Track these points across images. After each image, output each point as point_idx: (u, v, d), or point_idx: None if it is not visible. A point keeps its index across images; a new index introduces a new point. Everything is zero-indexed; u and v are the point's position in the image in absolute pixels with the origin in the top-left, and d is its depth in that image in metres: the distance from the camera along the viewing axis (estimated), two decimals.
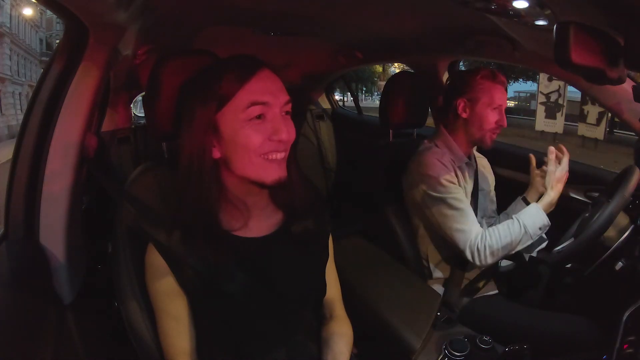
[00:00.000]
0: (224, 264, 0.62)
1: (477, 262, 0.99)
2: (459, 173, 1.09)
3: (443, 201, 1.02)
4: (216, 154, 0.61)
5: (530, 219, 0.96)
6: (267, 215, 0.69)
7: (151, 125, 0.73)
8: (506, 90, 1.10)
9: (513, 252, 0.98)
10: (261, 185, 0.61)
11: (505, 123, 1.09)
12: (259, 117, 0.59)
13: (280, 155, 0.61)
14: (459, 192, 1.03)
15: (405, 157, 1.14)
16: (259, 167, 0.60)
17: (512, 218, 0.99)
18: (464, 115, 1.09)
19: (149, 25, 0.97)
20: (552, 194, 0.98)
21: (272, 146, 0.60)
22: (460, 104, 1.09)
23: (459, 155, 1.11)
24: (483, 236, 0.98)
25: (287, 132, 0.60)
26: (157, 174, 0.72)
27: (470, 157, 1.15)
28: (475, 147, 1.19)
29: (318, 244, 0.75)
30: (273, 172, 0.61)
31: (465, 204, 1.02)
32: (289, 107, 0.62)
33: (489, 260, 0.98)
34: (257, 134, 0.59)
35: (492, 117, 1.08)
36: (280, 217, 0.70)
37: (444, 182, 1.02)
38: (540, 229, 0.96)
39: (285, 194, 0.68)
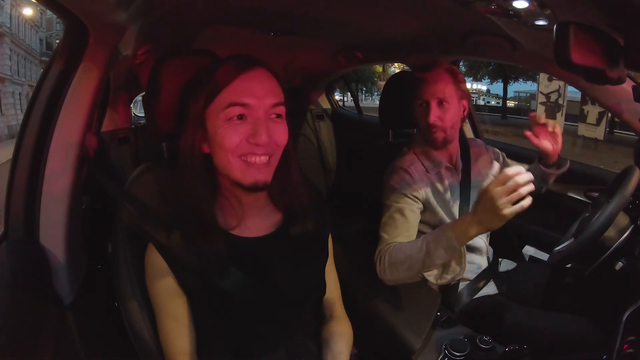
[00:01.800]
0: (222, 263, 0.62)
1: (378, 272, 0.92)
2: (435, 180, 1.05)
3: (386, 207, 1.00)
4: (206, 149, 0.62)
5: (437, 237, 0.83)
6: (266, 215, 0.69)
7: (151, 125, 0.73)
8: (440, 80, 1.00)
9: (415, 274, 0.88)
10: (240, 186, 0.61)
11: (431, 119, 0.99)
12: (240, 117, 0.59)
13: (260, 159, 0.60)
14: (406, 204, 0.98)
15: None
16: (236, 168, 0.60)
17: (417, 241, 0.90)
18: (415, 119, 1.07)
19: (149, 25, 0.97)
20: (480, 227, 0.76)
21: (249, 148, 0.59)
22: (409, 107, 1.07)
23: (436, 160, 1.06)
24: (389, 246, 0.93)
25: (267, 136, 0.59)
26: (157, 174, 0.72)
27: (455, 160, 1.10)
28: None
29: (317, 244, 0.75)
30: (251, 175, 0.60)
31: (404, 216, 0.97)
32: (278, 110, 0.61)
33: (387, 273, 0.91)
34: (234, 134, 0.59)
35: (419, 114, 1.03)
36: (280, 217, 0.70)
37: (396, 192, 1.00)
38: (445, 250, 0.81)
39: (285, 194, 0.68)
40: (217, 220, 0.64)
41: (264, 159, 0.60)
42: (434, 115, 1.00)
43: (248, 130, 0.59)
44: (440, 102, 1.01)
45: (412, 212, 0.99)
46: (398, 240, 0.95)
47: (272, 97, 0.60)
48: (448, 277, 1.00)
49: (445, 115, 1.01)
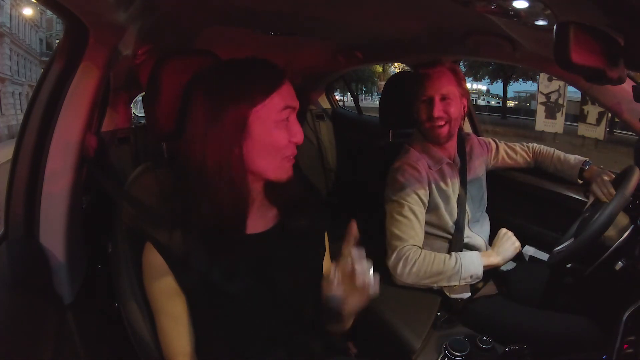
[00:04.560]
0: (221, 261, 0.62)
1: (397, 272, 0.97)
2: (437, 177, 1.07)
3: (398, 204, 1.02)
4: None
5: (470, 265, 0.97)
6: (263, 212, 0.69)
7: (151, 125, 0.73)
8: (442, 77, 1.04)
9: (435, 285, 0.98)
10: (276, 182, 0.64)
11: (436, 113, 1.03)
12: (286, 119, 0.62)
13: (293, 156, 0.64)
14: (417, 205, 1.02)
15: None
16: (278, 166, 0.63)
17: (452, 256, 0.99)
18: (416, 116, 1.10)
19: (149, 25, 0.97)
20: (499, 259, 1.00)
21: (291, 148, 0.63)
22: (410, 105, 1.10)
23: (437, 157, 1.09)
24: (417, 252, 0.98)
25: (302, 134, 0.64)
26: (157, 174, 0.72)
27: (454, 156, 1.13)
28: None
29: (314, 240, 0.75)
30: (287, 171, 0.64)
31: (417, 218, 1.02)
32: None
33: (410, 277, 0.97)
34: (285, 135, 0.62)
35: (422, 110, 1.07)
36: (276, 214, 0.70)
37: (407, 189, 1.02)
38: (471, 277, 0.97)
39: (281, 192, 0.68)
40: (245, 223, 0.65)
41: (293, 156, 0.65)
42: (438, 109, 1.03)
43: (289, 131, 0.62)
44: (444, 98, 1.04)
45: (421, 214, 1.04)
46: (412, 243, 0.99)
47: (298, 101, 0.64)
48: (464, 295, 1.05)
49: (449, 109, 1.04)
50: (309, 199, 0.73)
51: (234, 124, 0.60)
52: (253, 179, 0.64)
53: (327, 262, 0.79)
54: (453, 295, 1.02)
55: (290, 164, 0.65)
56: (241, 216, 0.63)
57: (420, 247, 1.00)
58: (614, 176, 1.04)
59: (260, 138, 0.61)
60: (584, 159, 1.16)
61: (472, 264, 0.96)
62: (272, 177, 0.63)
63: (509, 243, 1.02)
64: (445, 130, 1.05)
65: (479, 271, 0.97)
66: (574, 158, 1.18)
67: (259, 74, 0.62)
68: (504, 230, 1.05)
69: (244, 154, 0.61)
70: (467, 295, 1.04)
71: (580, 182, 1.14)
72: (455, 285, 0.98)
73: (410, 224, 1.00)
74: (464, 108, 1.09)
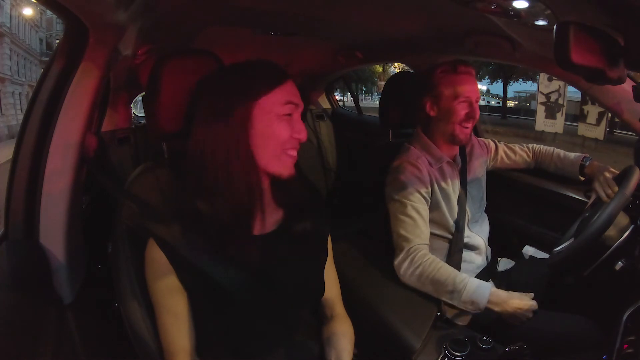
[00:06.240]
0: (225, 260, 0.62)
1: (400, 271, 0.97)
2: (438, 175, 1.07)
3: (401, 204, 1.02)
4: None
5: (475, 290, 0.90)
6: (267, 215, 0.69)
7: (151, 125, 0.73)
8: (475, 80, 1.06)
9: (434, 295, 0.94)
10: (278, 178, 0.65)
11: (475, 115, 1.04)
12: (289, 114, 0.64)
13: (295, 153, 0.66)
14: (420, 203, 1.02)
15: None
16: (280, 160, 0.64)
17: (462, 274, 0.94)
18: (432, 114, 1.09)
19: (149, 25, 0.97)
20: (507, 307, 0.89)
21: (293, 143, 0.65)
22: (427, 102, 1.09)
23: (438, 155, 1.09)
24: (425, 255, 0.96)
25: (305, 133, 0.66)
26: (157, 174, 0.72)
27: (455, 156, 1.13)
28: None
29: (317, 244, 0.75)
30: (289, 167, 0.66)
31: (421, 216, 1.01)
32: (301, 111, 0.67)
33: (412, 278, 0.95)
34: (286, 128, 0.64)
35: (459, 110, 1.06)
36: (280, 216, 0.70)
37: (409, 187, 1.02)
38: (472, 303, 0.90)
39: (285, 193, 0.68)
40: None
41: (296, 153, 0.67)
42: (477, 110, 1.05)
43: (293, 127, 0.65)
44: (477, 99, 1.06)
45: (425, 211, 1.03)
46: (418, 242, 0.98)
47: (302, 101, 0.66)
48: (461, 321, 1.00)
49: (478, 111, 1.06)
50: (313, 204, 0.74)
51: (239, 118, 0.62)
52: (260, 175, 0.65)
53: (330, 264, 0.79)
54: (448, 316, 0.97)
55: (291, 161, 0.66)
56: (249, 211, 0.64)
57: (427, 245, 0.99)
58: (617, 172, 1.02)
59: (263, 130, 0.62)
60: (584, 155, 1.15)
61: (479, 290, 0.90)
62: (274, 171, 0.65)
63: (521, 314, 0.89)
64: (470, 131, 1.06)
65: (482, 302, 0.89)
66: (573, 155, 1.17)
67: (262, 71, 0.65)
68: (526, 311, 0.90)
69: (252, 148, 0.63)
70: (464, 324, 0.97)
71: (582, 178, 1.13)
72: (455, 308, 0.94)
73: (415, 223, 1.00)
74: None
